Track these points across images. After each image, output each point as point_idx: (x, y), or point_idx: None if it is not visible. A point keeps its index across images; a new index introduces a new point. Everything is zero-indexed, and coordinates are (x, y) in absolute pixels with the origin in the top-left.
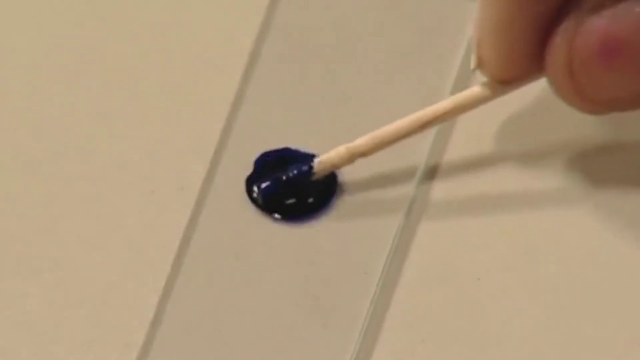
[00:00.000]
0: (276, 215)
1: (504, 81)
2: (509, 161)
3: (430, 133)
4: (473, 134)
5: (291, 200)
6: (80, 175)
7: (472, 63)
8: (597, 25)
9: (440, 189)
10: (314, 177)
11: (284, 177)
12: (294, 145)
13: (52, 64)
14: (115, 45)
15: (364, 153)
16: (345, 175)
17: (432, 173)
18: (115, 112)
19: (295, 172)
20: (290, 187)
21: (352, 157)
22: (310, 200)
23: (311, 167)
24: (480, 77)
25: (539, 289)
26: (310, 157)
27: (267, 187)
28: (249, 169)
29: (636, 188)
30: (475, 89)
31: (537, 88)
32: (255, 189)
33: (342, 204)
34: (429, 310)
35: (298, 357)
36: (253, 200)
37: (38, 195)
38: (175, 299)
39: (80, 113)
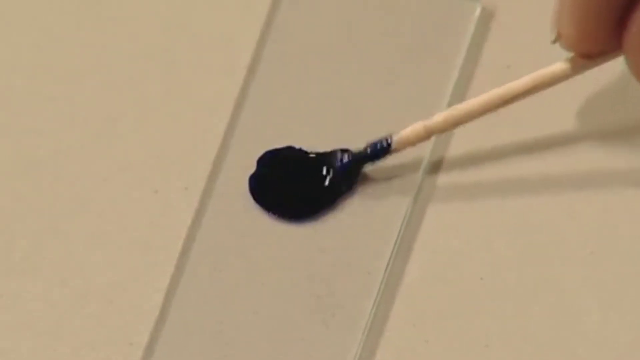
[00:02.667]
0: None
1: (583, 56)
2: (515, 155)
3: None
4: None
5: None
6: (84, 175)
7: (552, 36)
8: None
9: (444, 185)
10: (392, 153)
11: (364, 153)
12: (296, 144)
13: (57, 65)
14: (119, 47)
15: (440, 130)
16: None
17: (436, 166)
18: (119, 113)
19: (374, 147)
20: (368, 162)
21: (428, 134)
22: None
23: (389, 144)
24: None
25: (542, 288)
26: (315, 156)
27: (345, 162)
28: (252, 169)
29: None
30: (554, 66)
31: None
32: (324, 169)
33: (345, 203)
34: (432, 310)
35: (301, 356)
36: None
37: (42, 194)
38: (180, 298)
39: (84, 113)
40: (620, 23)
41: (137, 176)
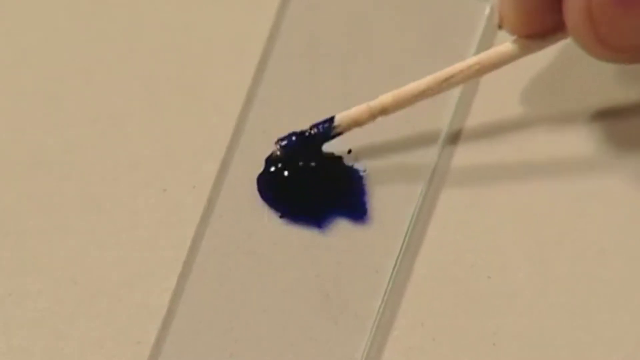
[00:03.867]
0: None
1: (527, 36)
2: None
3: (448, 113)
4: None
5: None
6: (92, 173)
7: (495, 21)
8: None
9: (451, 185)
10: (335, 132)
11: (307, 133)
12: None
13: (66, 63)
14: (128, 44)
15: (385, 110)
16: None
17: (443, 167)
18: (128, 111)
19: (317, 128)
20: (311, 144)
21: (372, 114)
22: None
23: (332, 121)
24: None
25: (550, 287)
26: (322, 155)
27: (287, 141)
28: (260, 168)
29: None
30: (500, 47)
31: (558, 57)
32: (276, 147)
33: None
34: (440, 308)
35: (309, 355)
36: (271, 162)
37: (51, 193)
38: (187, 297)
39: (93, 112)
40: None
41: (145, 175)
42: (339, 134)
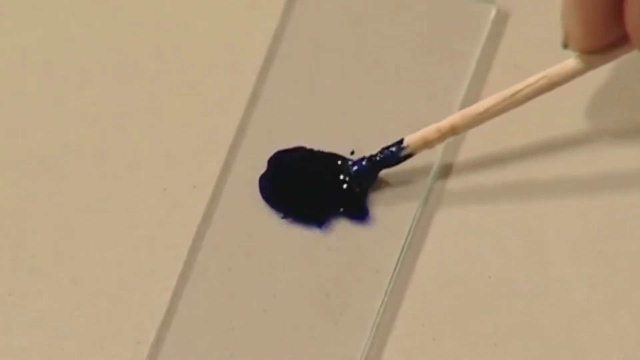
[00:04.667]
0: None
1: (592, 51)
2: (523, 157)
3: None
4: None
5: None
6: (93, 172)
7: (560, 39)
8: None
9: (454, 186)
10: (405, 154)
11: (377, 157)
12: (307, 144)
13: (67, 63)
14: (130, 44)
15: (454, 130)
16: None
17: (447, 167)
18: (130, 110)
19: (389, 152)
20: (382, 167)
21: (442, 133)
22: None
23: (401, 144)
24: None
25: (550, 287)
26: (326, 156)
27: (360, 166)
28: (262, 168)
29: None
30: (567, 62)
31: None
32: (341, 175)
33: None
34: (441, 308)
35: (309, 354)
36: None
37: (52, 193)
38: (187, 296)
39: (95, 111)
40: (619, 8)
41: (146, 174)
42: (410, 155)
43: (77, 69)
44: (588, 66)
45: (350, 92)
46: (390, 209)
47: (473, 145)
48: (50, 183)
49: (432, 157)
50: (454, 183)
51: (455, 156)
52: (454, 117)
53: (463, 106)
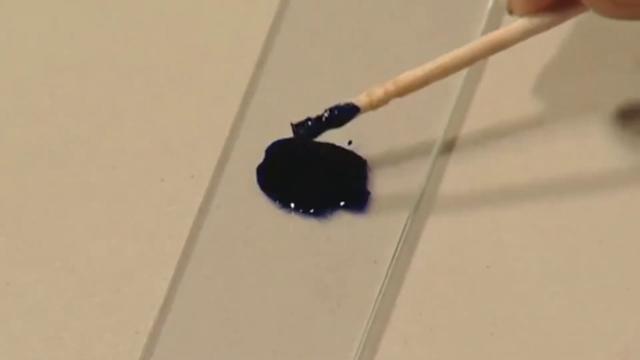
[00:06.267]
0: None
1: (537, 9)
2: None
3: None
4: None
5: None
6: (91, 163)
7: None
8: None
9: (452, 175)
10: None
11: (325, 115)
12: None
13: (65, 54)
14: (129, 36)
15: (400, 92)
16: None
17: (444, 157)
18: (127, 101)
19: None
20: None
21: (388, 96)
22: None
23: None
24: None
25: (549, 277)
26: (322, 145)
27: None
28: (260, 158)
29: None
30: (512, 25)
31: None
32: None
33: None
34: (438, 298)
35: (307, 344)
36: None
37: (50, 183)
38: (185, 286)
39: (93, 102)
40: None
41: (144, 165)
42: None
43: (75, 59)
44: (535, 27)
45: (347, 83)
46: (388, 200)
47: (471, 140)
48: (48, 173)
49: (430, 146)
50: (451, 174)
51: (454, 142)
52: (399, 76)
53: (461, 96)
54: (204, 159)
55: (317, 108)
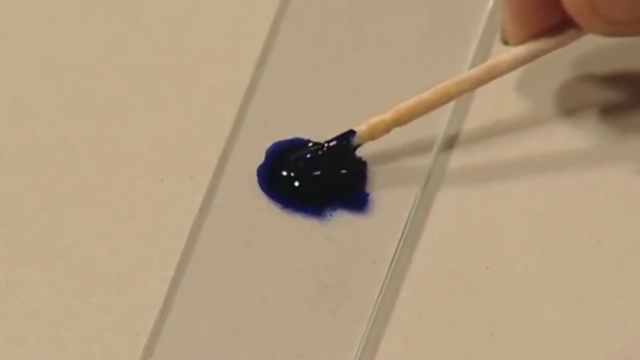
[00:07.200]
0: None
1: (531, 36)
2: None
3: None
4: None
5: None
6: (91, 163)
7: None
8: None
9: (451, 176)
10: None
11: (324, 147)
12: (305, 135)
13: (65, 53)
14: (128, 35)
15: (397, 121)
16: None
17: (443, 159)
18: (127, 101)
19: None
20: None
21: (388, 127)
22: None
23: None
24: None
25: (549, 278)
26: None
27: (305, 156)
28: (260, 159)
29: None
30: (507, 53)
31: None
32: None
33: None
34: (438, 299)
35: (307, 345)
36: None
37: (49, 183)
38: (185, 287)
39: (92, 102)
40: None
41: (144, 165)
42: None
43: (75, 59)
44: (531, 54)
45: (348, 84)
46: (388, 200)
47: (471, 137)
48: (48, 173)
49: (430, 145)
50: (451, 175)
51: (453, 147)
52: (399, 107)
53: (462, 97)
54: (204, 159)
55: (317, 108)
